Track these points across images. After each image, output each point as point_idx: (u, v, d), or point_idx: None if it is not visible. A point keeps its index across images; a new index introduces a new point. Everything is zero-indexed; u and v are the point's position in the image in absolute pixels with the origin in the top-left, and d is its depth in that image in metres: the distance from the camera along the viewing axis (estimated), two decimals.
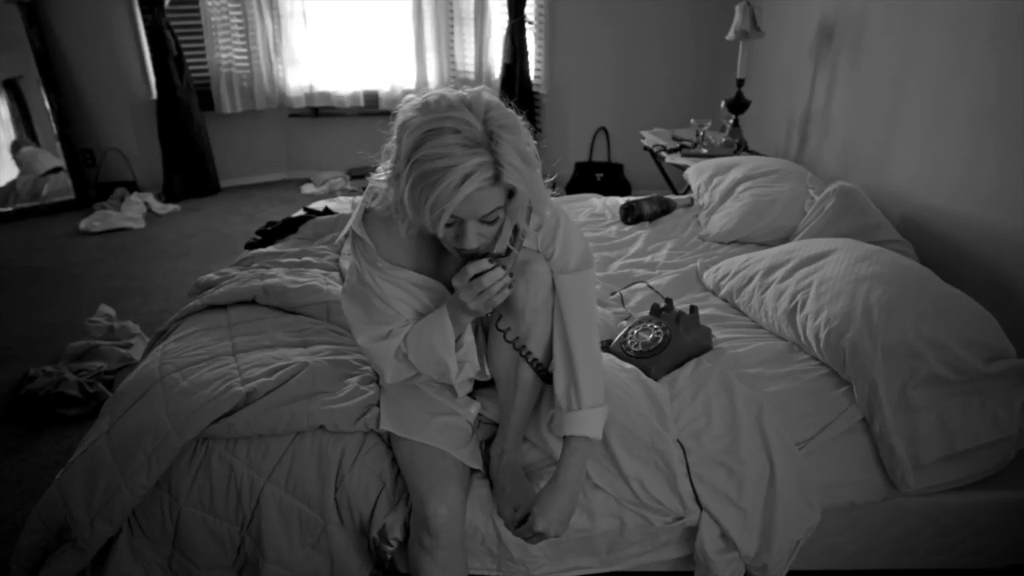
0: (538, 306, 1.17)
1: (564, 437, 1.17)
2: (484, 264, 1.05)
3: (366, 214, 1.16)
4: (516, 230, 1.10)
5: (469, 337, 1.18)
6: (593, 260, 1.27)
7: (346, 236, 1.22)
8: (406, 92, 4.32)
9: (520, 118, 1.02)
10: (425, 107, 0.97)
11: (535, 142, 1.04)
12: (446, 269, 1.21)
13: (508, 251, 1.09)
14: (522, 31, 4.16)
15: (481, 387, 1.37)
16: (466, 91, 0.99)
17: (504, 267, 1.07)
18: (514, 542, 1.24)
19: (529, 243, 1.19)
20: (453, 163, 0.93)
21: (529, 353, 1.19)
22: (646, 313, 1.60)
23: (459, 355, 1.17)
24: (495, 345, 1.22)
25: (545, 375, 1.24)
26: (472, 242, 1.02)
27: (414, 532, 1.17)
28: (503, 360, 1.22)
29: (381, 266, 1.16)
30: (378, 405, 1.29)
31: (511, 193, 1.00)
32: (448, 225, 1.01)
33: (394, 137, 1.02)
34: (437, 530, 1.13)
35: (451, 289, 1.17)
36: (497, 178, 0.96)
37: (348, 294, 1.23)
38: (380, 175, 1.07)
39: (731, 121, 3.13)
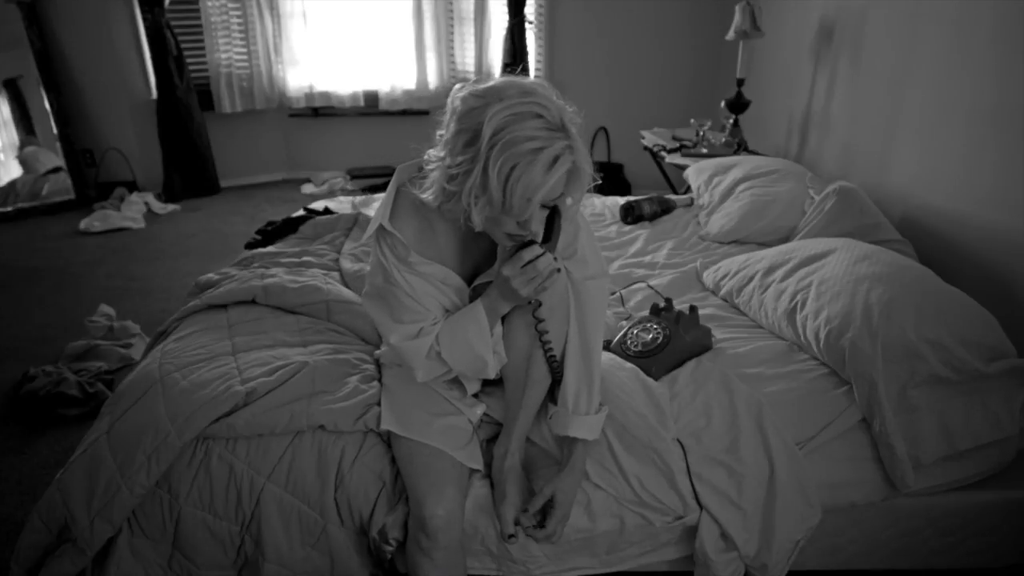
0: (555, 304, 1.18)
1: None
2: (537, 249, 1.06)
3: (393, 211, 1.15)
4: (555, 219, 1.11)
5: (498, 328, 1.19)
6: (608, 271, 1.29)
7: (345, 231, 1.22)
8: (406, 92, 4.36)
9: None
10: (495, 92, 0.98)
11: None
12: (468, 266, 1.22)
13: (549, 239, 1.10)
14: (522, 31, 4.16)
15: (484, 386, 1.37)
16: (523, 79, 1.02)
17: (551, 252, 1.08)
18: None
19: None
20: (542, 145, 0.94)
21: (551, 349, 1.20)
22: (646, 313, 1.60)
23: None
24: (508, 343, 1.22)
25: (557, 373, 1.24)
26: (536, 225, 1.03)
27: (412, 533, 1.17)
28: (515, 358, 1.22)
29: (413, 260, 1.16)
30: (378, 404, 1.29)
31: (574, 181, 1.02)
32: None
33: (453, 127, 1.01)
34: (434, 531, 1.13)
35: (471, 285, 1.20)
36: (574, 162, 0.98)
37: (372, 296, 1.22)
38: (432, 165, 1.05)
39: (731, 121, 3.13)
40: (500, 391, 1.31)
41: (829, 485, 1.31)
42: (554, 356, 1.21)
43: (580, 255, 1.22)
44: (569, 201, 1.07)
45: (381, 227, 1.15)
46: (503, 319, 1.22)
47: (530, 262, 1.05)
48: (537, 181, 0.95)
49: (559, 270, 1.09)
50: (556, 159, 0.95)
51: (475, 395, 1.35)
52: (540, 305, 1.16)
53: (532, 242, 1.07)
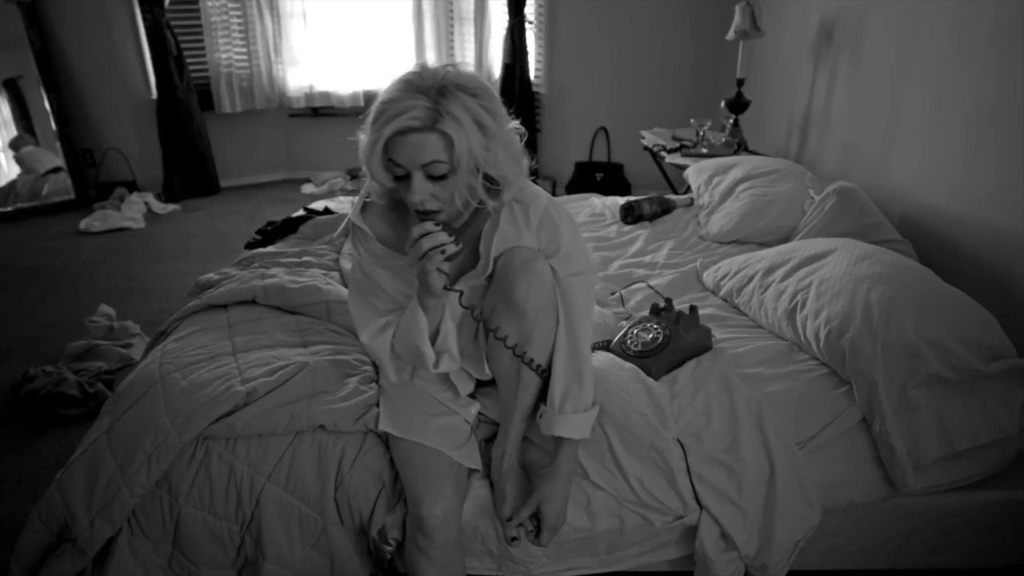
0: (541, 304, 1.16)
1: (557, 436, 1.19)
2: (428, 226, 1.05)
3: (365, 206, 1.18)
4: (477, 208, 1.10)
5: (447, 325, 1.17)
6: (595, 266, 1.28)
7: (345, 232, 1.23)
8: None
9: (505, 109, 1.06)
10: None
11: (520, 131, 1.09)
12: (450, 265, 1.21)
13: (464, 222, 1.10)
14: (522, 31, 4.16)
15: (482, 386, 1.37)
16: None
17: (452, 235, 1.07)
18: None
19: (530, 240, 1.19)
20: (392, 105, 0.99)
21: (528, 356, 1.18)
22: (646, 313, 1.60)
23: (437, 344, 1.16)
24: (496, 346, 1.21)
25: (544, 375, 1.23)
26: (416, 195, 1.03)
27: (410, 533, 1.17)
28: (505, 360, 1.21)
29: (382, 253, 1.18)
30: (378, 405, 1.29)
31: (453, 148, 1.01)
32: (399, 179, 1.04)
33: None
34: (431, 531, 1.13)
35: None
36: (433, 123, 0.99)
37: (352, 292, 1.25)
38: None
39: (731, 121, 3.13)
40: (496, 391, 1.31)
41: (829, 485, 1.31)
42: (538, 364, 1.19)
43: (563, 252, 1.20)
44: (446, 170, 1.03)
45: (352, 222, 1.18)
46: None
47: (419, 239, 1.05)
48: (376, 135, 1.00)
49: (444, 252, 1.05)
50: (398, 114, 0.98)
51: (471, 395, 1.35)
52: (462, 293, 1.15)
53: (427, 220, 1.07)
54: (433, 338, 1.16)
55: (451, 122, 0.99)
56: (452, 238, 1.06)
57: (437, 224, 1.06)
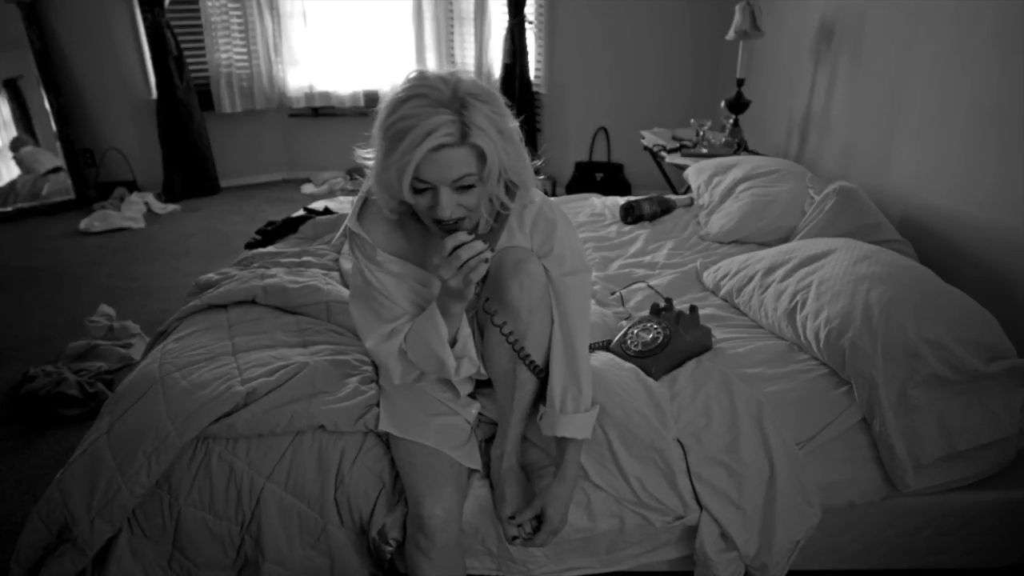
0: (534, 304, 1.16)
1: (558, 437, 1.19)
2: (462, 236, 1.03)
3: (362, 211, 1.17)
4: (500, 212, 1.10)
5: (466, 330, 1.17)
6: (590, 265, 1.27)
7: (343, 236, 1.22)
8: None
9: (509, 109, 1.04)
10: (402, 83, 1.01)
11: (520, 129, 1.07)
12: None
13: (491, 229, 1.09)
14: (522, 31, 4.16)
15: (481, 386, 1.37)
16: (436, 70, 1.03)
17: (485, 241, 1.05)
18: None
19: (523, 241, 1.19)
20: (415, 123, 0.95)
21: (525, 352, 1.18)
22: (646, 313, 1.60)
23: (456, 349, 1.16)
24: (492, 345, 1.21)
25: (541, 375, 1.23)
26: (446, 210, 1.01)
27: (410, 533, 1.17)
28: (501, 361, 1.21)
29: (380, 259, 1.17)
30: (378, 405, 1.29)
31: (483, 159, 1.00)
32: (420, 192, 1.02)
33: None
34: (432, 531, 1.13)
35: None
36: (464, 137, 0.97)
37: (354, 297, 1.24)
38: (366, 156, 1.09)
39: (731, 121, 3.13)
40: (495, 391, 1.31)
41: (829, 485, 1.31)
42: (532, 360, 1.19)
43: (557, 252, 1.19)
44: (475, 182, 1.02)
45: (350, 229, 1.17)
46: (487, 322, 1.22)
47: (454, 250, 1.03)
48: (406, 154, 0.96)
49: (488, 261, 1.05)
50: (428, 133, 0.95)
51: (471, 395, 1.35)
52: (488, 299, 1.15)
53: (457, 230, 1.05)
54: (451, 344, 1.15)
55: (479, 134, 0.97)
56: (487, 245, 1.05)
57: (471, 234, 1.04)
